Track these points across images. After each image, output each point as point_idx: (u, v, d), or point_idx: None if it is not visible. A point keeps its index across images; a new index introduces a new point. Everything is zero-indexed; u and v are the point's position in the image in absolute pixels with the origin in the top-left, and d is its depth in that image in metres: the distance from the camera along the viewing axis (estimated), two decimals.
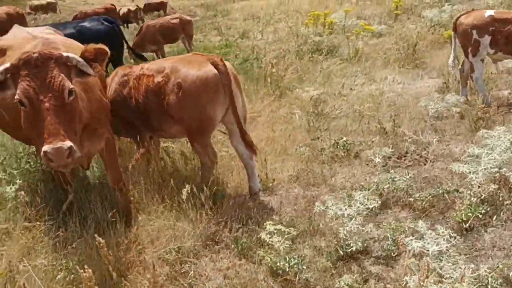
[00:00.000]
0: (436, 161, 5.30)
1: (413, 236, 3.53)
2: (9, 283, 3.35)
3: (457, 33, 6.93)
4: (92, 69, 3.58)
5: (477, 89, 6.89)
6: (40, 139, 3.23)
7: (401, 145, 5.75)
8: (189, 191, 4.13)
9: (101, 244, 2.97)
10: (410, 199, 4.46)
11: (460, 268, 3.02)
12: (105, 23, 8.59)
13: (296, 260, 3.60)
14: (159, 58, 11.66)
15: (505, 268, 3.40)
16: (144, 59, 10.00)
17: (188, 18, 13.33)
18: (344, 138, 5.86)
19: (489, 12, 6.72)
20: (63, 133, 3.22)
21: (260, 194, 4.88)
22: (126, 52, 10.17)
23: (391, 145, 5.69)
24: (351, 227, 3.76)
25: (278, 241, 3.68)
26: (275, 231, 3.74)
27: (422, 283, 2.87)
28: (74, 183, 4.62)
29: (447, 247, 3.28)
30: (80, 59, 3.51)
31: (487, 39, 6.58)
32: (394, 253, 3.75)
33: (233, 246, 4.01)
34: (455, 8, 12.22)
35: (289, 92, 7.97)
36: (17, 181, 4.46)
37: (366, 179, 4.97)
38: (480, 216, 3.97)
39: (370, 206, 3.88)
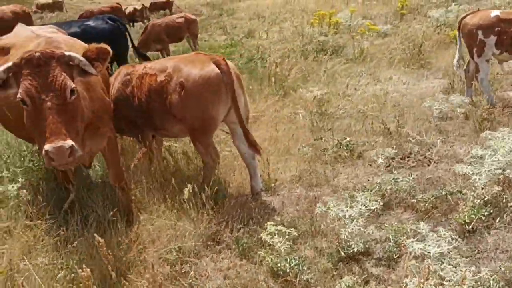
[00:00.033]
0: (440, 162, 5.27)
1: (414, 238, 3.51)
2: (9, 281, 3.35)
3: (462, 33, 6.89)
4: (94, 69, 3.57)
5: (482, 90, 6.85)
6: (42, 138, 3.24)
7: (405, 146, 5.73)
8: (190, 191, 4.13)
9: (100, 244, 2.96)
10: (413, 200, 4.43)
11: (461, 270, 2.99)
12: (110, 22, 8.58)
13: (296, 261, 3.59)
14: (164, 57, 11.68)
15: (508, 271, 3.37)
16: (147, 59, 10.00)
17: (193, 17, 13.34)
18: (348, 139, 5.83)
19: (495, 12, 6.67)
20: (64, 132, 3.22)
21: (262, 194, 4.87)
22: (131, 51, 10.18)
23: (394, 146, 5.67)
24: (352, 228, 3.74)
25: (278, 241, 3.67)
26: (276, 231, 3.73)
27: (422, 286, 2.85)
28: (76, 181, 4.61)
29: (448, 249, 3.26)
30: (82, 58, 3.51)
31: (492, 39, 6.53)
32: (395, 255, 3.72)
33: (234, 246, 4.00)
34: (462, 8, 12.14)
35: (293, 92, 7.95)
36: (20, 179, 4.47)
37: (368, 180, 4.95)
38: (483, 218, 3.93)
39: (372, 208, 3.85)
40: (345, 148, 5.68)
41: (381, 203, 4.00)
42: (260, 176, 4.99)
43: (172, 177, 4.54)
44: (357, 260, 3.79)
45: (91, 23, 8.56)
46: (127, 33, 9.51)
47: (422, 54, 9.59)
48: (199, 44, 13.76)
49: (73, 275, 3.42)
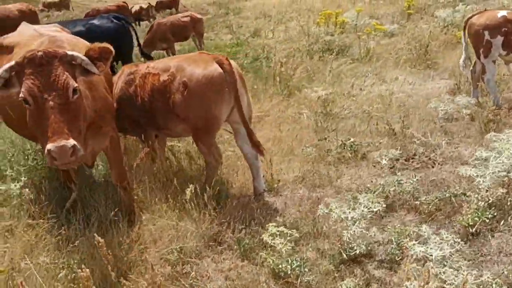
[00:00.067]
0: (444, 164, 5.23)
1: (416, 241, 3.48)
2: (11, 280, 3.36)
3: (469, 34, 6.83)
4: (97, 68, 3.57)
5: (489, 91, 6.79)
6: (44, 137, 3.24)
7: (410, 147, 5.69)
8: (192, 191, 4.12)
9: (100, 244, 2.96)
10: (416, 202, 4.40)
11: (462, 274, 2.96)
12: (115, 20, 8.60)
13: (298, 263, 3.57)
14: (170, 56, 11.68)
15: (511, 275, 3.34)
16: (150, 59, 10.01)
17: (199, 16, 13.33)
18: (352, 139, 5.80)
19: (502, 13, 6.61)
20: (67, 132, 3.22)
21: (265, 194, 4.85)
22: (136, 50, 10.20)
23: (399, 147, 5.62)
24: (354, 230, 3.72)
25: (280, 243, 3.65)
26: (278, 233, 3.71)
27: None
28: (79, 181, 4.62)
29: (450, 252, 3.22)
30: (84, 57, 3.51)
31: (499, 40, 6.46)
32: (398, 257, 3.69)
33: (235, 247, 3.99)
34: (469, 8, 12.04)
35: (297, 92, 7.91)
36: (22, 178, 4.48)
37: (372, 181, 4.92)
38: (487, 220, 3.90)
39: (374, 210, 3.82)
40: (349, 149, 5.65)
41: (384, 205, 3.97)
42: (263, 176, 4.97)
43: (174, 177, 4.54)
44: (359, 262, 3.77)
45: (96, 21, 8.59)
46: (133, 32, 9.54)
47: (428, 54, 9.51)
48: (205, 43, 13.75)
49: (74, 274, 3.42)
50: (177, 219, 4.18)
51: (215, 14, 21.55)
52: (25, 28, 4.77)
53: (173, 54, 12.12)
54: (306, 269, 3.56)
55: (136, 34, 9.93)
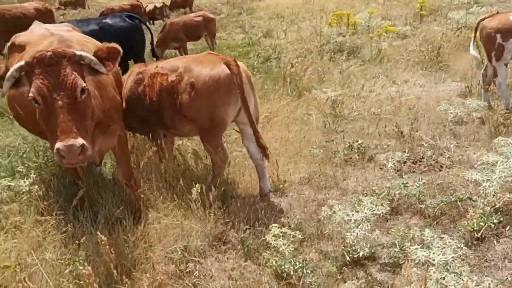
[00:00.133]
0: (452, 168, 5.20)
1: (418, 245, 3.47)
2: (18, 275, 3.42)
3: (480, 37, 6.76)
4: (105, 68, 3.63)
5: (500, 94, 6.72)
6: (54, 136, 3.30)
7: (418, 150, 5.66)
8: (198, 191, 4.15)
9: (103, 242, 3.00)
10: (422, 205, 4.39)
11: (462, 280, 2.95)
12: (127, 20, 8.69)
13: (301, 264, 3.58)
14: (182, 55, 11.75)
15: None
16: (157, 59, 10.09)
17: (212, 16, 13.36)
18: (359, 141, 5.79)
19: None
20: (75, 131, 3.28)
21: (271, 195, 4.87)
22: (148, 49, 10.29)
23: (407, 150, 5.60)
24: (357, 232, 3.72)
25: (283, 244, 3.66)
26: (281, 234, 3.73)
27: None
28: (87, 178, 4.68)
29: (453, 257, 3.21)
30: (93, 57, 3.57)
31: (511, 43, 6.40)
32: (401, 261, 3.67)
33: (239, 247, 4.02)
34: (483, 10, 11.93)
35: (307, 93, 7.91)
36: (32, 175, 4.56)
37: (378, 184, 4.91)
38: (493, 226, 3.88)
39: (378, 212, 3.82)
40: (356, 150, 5.65)
41: (388, 208, 3.97)
42: (269, 177, 5.00)
43: (181, 176, 4.58)
44: (362, 265, 3.77)
45: (109, 21, 8.69)
46: (147, 31, 9.63)
47: (440, 56, 9.44)
48: (217, 42, 13.80)
49: (79, 271, 3.47)
50: (182, 218, 4.22)
51: (229, 13, 21.59)
52: (37, 27, 4.84)
53: (186, 53, 12.18)
54: (309, 271, 3.57)
55: (151, 33, 10.03)
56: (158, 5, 19.95)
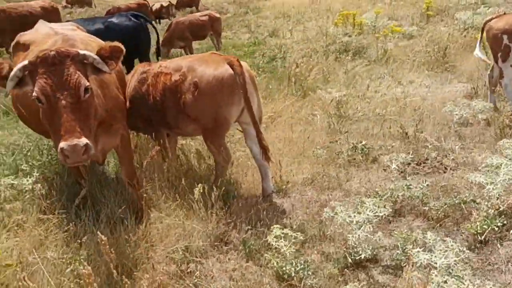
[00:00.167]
0: (456, 170, 5.16)
1: (420, 248, 3.44)
2: (18, 274, 3.42)
3: (487, 38, 6.71)
4: (108, 66, 3.63)
5: (506, 96, 6.67)
6: (57, 135, 3.30)
7: (422, 151, 5.63)
8: (201, 191, 4.15)
9: (103, 242, 3.00)
10: (425, 208, 4.36)
11: (463, 284, 2.92)
12: (133, 19, 8.70)
13: (302, 266, 3.57)
14: (188, 54, 11.77)
15: None
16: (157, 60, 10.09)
17: (217, 15, 13.38)
18: (363, 142, 5.76)
19: None
20: (79, 130, 3.28)
21: (273, 196, 4.86)
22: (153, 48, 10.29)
23: (411, 151, 5.58)
24: (359, 234, 3.70)
25: (284, 245, 3.65)
26: (282, 235, 3.72)
27: None
28: (89, 177, 4.69)
29: (455, 261, 3.18)
30: (96, 56, 3.57)
31: None
32: (403, 263, 3.65)
33: (241, 247, 4.01)
34: (491, 11, 11.84)
35: (312, 93, 7.88)
36: (35, 173, 4.57)
37: (381, 185, 4.88)
38: (496, 229, 3.84)
39: (380, 214, 3.80)
40: (360, 151, 5.62)
41: (391, 210, 3.94)
42: (272, 177, 4.98)
43: (183, 176, 4.58)
44: (364, 267, 3.75)
45: (114, 20, 8.70)
46: (154, 30, 9.63)
47: (446, 57, 9.39)
48: (223, 42, 13.81)
49: (80, 270, 3.47)
50: (184, 218, 4.22)
51: (235, 13, 21.61)
52: (41, 26, 4.85)
53: (191, 53, 12.20)
54: (310, 272, 3.55)
55: (157, 32, 10.04)
56: (165, 4, 20.00)
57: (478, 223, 3.89)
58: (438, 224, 4.16)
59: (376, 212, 3.80)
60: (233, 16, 20.71)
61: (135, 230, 4.05)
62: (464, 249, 3.35)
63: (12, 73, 3.38)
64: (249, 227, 4.22)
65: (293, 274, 3.54)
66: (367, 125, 6.58)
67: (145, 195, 4.33)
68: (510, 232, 3.90)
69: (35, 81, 3.36)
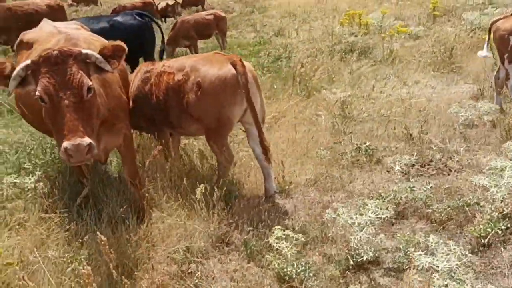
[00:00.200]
0: (461, 172, 5.12)
1: (423, 251, 3.41)
2: (18, 273, 3.43)
3: (493, 38, 6.66)
4: (110, 66, 3.62)
5: None
6: (60, 135, 3.30)
7: (427, 153, 5.58)
8: (203, 191, 4.14)
9: (102, 242, 3.00)
10: (428, 210, 4.32)
11: (465, 287, 2.90)
12: (138, 18, 8.70)
13: (303, 267, 3.55)
14: (193, 53, 11.76)
15: None
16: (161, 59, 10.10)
17: (223, 14, 13.36)
18: (368, 143, 5.72)
19: None
20: (82, 130, 3.28)
21: (276, 196, 4.84)
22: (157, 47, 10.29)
23: (416, 153, 5.53)
24: (361, 236, 3.68)
25: (286, 246, 3.63)
26: (283, 236, 3.70)
27: None
28: (92, 176, 4.69)
29: (457, 264, 3.15)
30: (98, 55, 3.56)
31: None
32: (405, 266, 3.62)
33: (242, 248, 3.99)
34: (498, 11, 11.76)
35: (316, 93, 7.85)
36: (37, 172, 4.58)
37: (384, 187, 4.85)
38: (500, 232, 3.80)
39: (382, 216, 3.77)
40: (364, 153, 5.58)
41: (393, 212, 3.91)
42: (275, 178, 4.96)
43: (186, 176, 4.57)
44: (365, 269, 3.72)
45: (119, 18, 8.70)
46: (158, 29, 9.63)
47: (453, 58, 9.33)
48: (228, 41, 13.79)
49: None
50: (186, 218, 4.21)
51: (241, 12, 21.57)
52: (45, 25, 4.86)
53: (196, 52, 12.19)
54: (311, 274, 3.54)
55: (161, 31, 10.04)
56: (170, 3, 20.00)
57: (481, 226, 3.85)
58: (441, 227, 4.13)
59: (379, 214, 3.78)
60: (239, 15, 20.67)
61: (137, 230, 4.04)
62: (467, 252, 3.33)
63: (14, 73, 3.38)
64: (251, 228, 4.20)
65: (294, 276, 3.52)
66: (372, 126, 6.54)
67: (147, 194, 4.33)
68: None
69: (38, 80, 3.35)
